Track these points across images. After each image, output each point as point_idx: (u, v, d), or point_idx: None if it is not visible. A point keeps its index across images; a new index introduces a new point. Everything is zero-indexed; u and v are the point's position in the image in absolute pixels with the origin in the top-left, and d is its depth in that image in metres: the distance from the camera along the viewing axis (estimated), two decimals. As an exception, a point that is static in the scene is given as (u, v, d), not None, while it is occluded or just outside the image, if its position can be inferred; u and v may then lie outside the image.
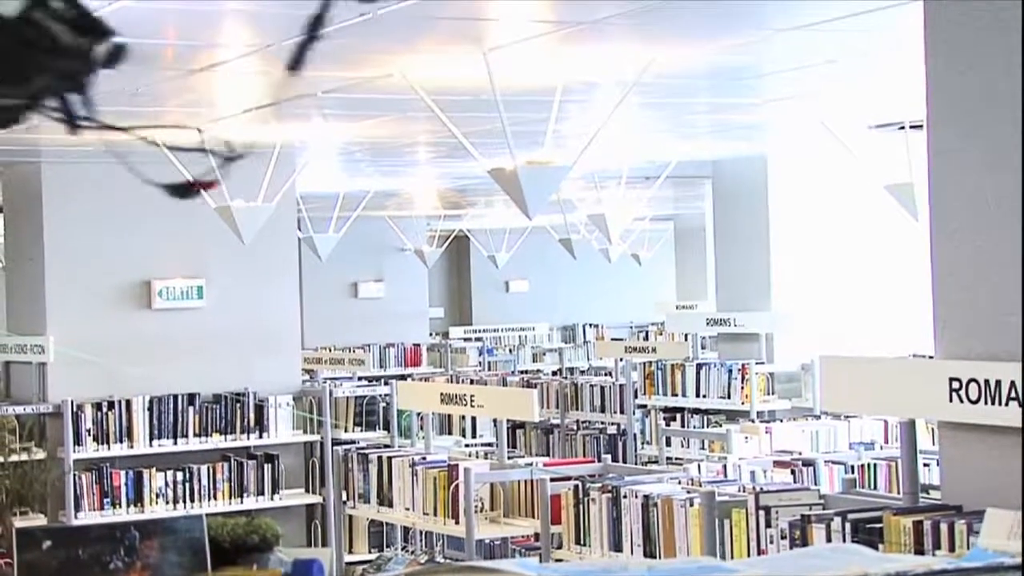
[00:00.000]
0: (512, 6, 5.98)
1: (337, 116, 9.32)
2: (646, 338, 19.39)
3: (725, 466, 8.06)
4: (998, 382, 4.31)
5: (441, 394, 8.66)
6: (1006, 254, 4.42)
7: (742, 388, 11.61)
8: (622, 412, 12.54)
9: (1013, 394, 4.25)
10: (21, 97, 2.27)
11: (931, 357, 4.84)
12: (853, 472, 7.84)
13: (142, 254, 11.17)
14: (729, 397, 11.72)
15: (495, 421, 10.24)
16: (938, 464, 4.90)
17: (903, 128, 9.68)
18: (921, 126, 4.91)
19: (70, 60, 2.20)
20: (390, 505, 8.20)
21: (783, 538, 5.18)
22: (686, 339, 14.25)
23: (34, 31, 2.16)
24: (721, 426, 11.01)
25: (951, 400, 4.45)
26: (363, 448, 8.74)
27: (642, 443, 12.44)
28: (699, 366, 12.14)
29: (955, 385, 4.44)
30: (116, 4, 5.30)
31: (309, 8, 6.28)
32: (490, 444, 12.63)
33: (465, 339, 22.08)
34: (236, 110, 8.77)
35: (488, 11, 6.00)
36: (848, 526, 4.81)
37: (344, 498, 8.64)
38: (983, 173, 4.54)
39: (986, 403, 4.33)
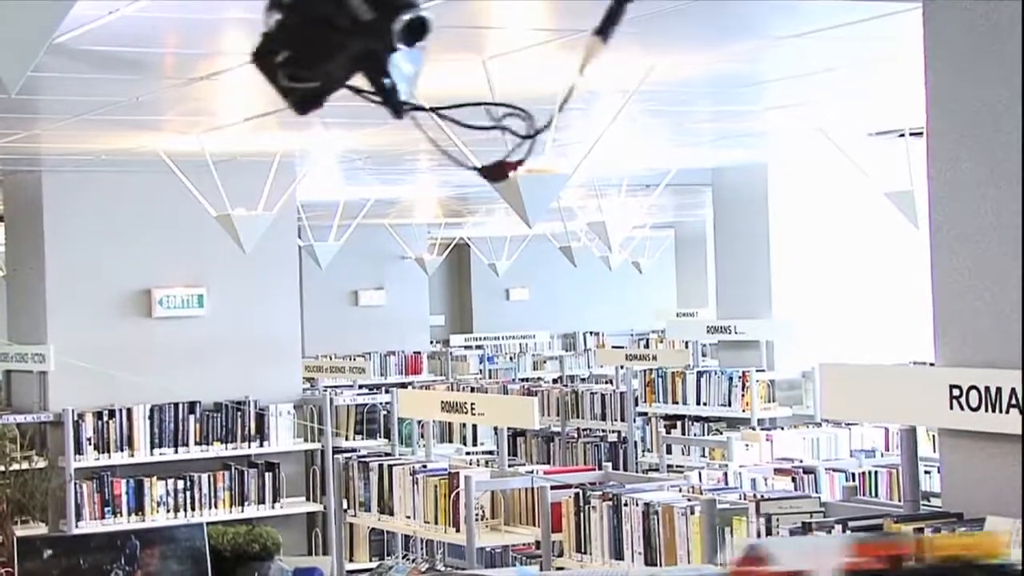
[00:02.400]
0: (512, 14, 5.98)
1: (337, 124, 9.32)
2: (647, 346, 19.39)
3: (726, 474, 8.06)
4: (998, 389, 4.30)
5: (442, 402, 8.65)
6: (1006, 262, 4.42)
7: (743, 396, 11.61)
8: (623, 420, 12.54)
9: (1014, 401, 4.25)
10: (320, 79, 2.18)
11: (932, 364, 4.84)
12: (854, 479, 7.83)
13: (142, 263, 11.18)
14: (730, 405, 11.72)
15: (496, 429, 10.24)
16: (939, 471, 4.90)
17: (903, 135, 9.69)
18: (921, 133, 4.91)
19: (368, 37, 2.08)
20: (391, 513, 8.20)
21: (784, 546, 5.17)
22: (687, 347, 14.26)
23: (332, 8, 2.01)
24: (722, 434, 11.01)
25: (951, 407, 4.44)
26: (364, 456, 8.74)
27: (643, 451, 12.44)
28: (700, 374, 12.14)
29: (955, 392, 4.44)
30: (116, 13, 5.30)
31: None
32: (491, 452, 12.63)
33: (466, 347, 22.07)
34: (237, 118, 8.77)
35: (488, 19, 6.01)
36: (849, 533, 4.80)
37: (345, 506, 8.64)
38: (983, 181, 4.54)
39: (986, 410, 4.33)
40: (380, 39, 2.08)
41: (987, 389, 4.34)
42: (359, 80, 2.22)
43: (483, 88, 6.92)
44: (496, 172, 2.44)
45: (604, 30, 2.21)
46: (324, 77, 2.12)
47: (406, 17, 2.09)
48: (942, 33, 4.68)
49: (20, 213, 11.43)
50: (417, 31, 2.11)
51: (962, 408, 4.40)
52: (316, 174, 11.95)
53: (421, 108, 2.25)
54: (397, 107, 2.20)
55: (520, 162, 2.50)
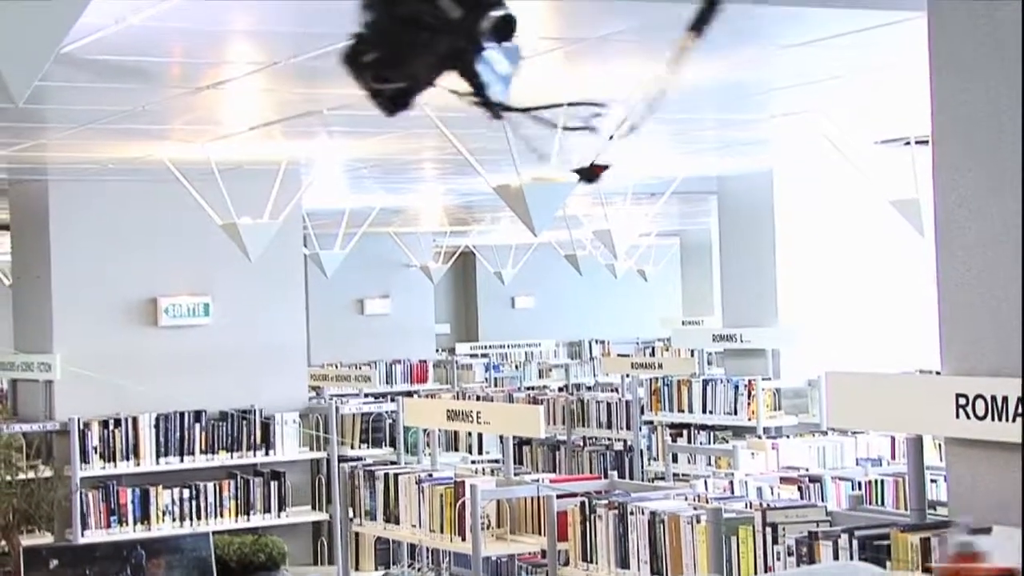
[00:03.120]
0: (518, 23, 5.98)
1: (343, 133, 9.33)
2: (652, 354, 19.37)
3: (732, 482, 8.05)
4: (1005, 398, 4.30)
5: (447, 411, 8.65)
6: (1013, 270, 4.41)
7: (748, 404, 11.60)
8: (628, 428, 12.53)
9: (1020, 410, 4.25)
10: (407, 80, 2.13)
11: (938, 373, 4.83)
12: (860, 488, 7.82)
13: (148, 271, 11.19)
14: (736, 413, 11.70)
15: (501, 437, 10.23)
16: (945, 480, 4.89)
17: (909, 143, 9.69)
18: (927, 141, 4.91)
19: (455, 36, 2.01)
20: (397, 522, 8.19)
21: (790, 555, 5.17)
22: (692, 355, 14.24)
23: (420, 6, 1.98)
24: (728, 442, 11.00)
25: (958, 416, 4.44)
26: (369, 465, 8.73)
27: (649, 459, 12.43)
28: (705, 382, 12.13)
29: (962, 401, 4.43)
30: (123, 23, 5.31)
31: (314, 26, 6.27)
32: (496, 460, 12.63)
33: (471, 355, 22.07)
34: (242, 127, 8.78)
35: (493, 28, 6.00)
36: (855, 543, 4.80)
37: (351, 515, 8.63)
38: (989, 189, 4.54)
39: (993, 419, 4.32)
40: (467, 37, 2.03)
41: (993, 398, 4.33)
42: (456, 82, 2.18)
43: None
44: (590, 173, 2.43)
45: (698, 26, 2.18)
46: (410, 77, 2.09)
47: (493, 15, 2.03)
48: (947, 41, 4.68)
49: (26, 222, 11.44)
50: (505, 29, 2.06)
51: (968, 417, 4.39)
52: (322, 182, 11.96)
53: (516, 109, 2.22)
54: (494, 107, 2.14)
55: (609, 165, 2.50)
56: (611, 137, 2.39)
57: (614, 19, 5.89)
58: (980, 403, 4.38)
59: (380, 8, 2.08)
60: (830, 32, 6.28)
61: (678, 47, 2.30)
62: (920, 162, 9.49)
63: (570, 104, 2.44)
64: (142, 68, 6.63)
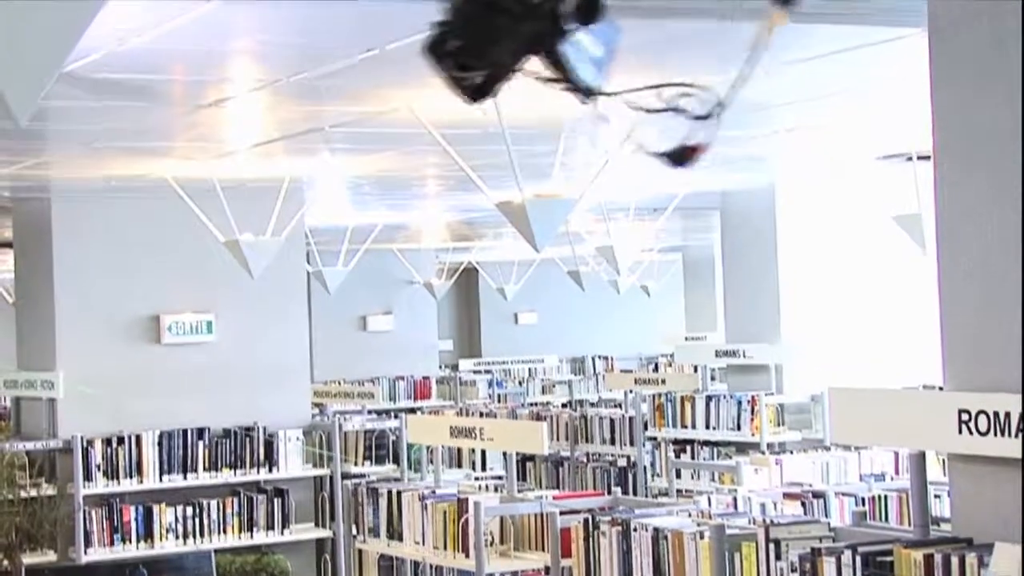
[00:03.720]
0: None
1: (345, 150, 9.35)
2: (655, 370, 19.38)
3: (735, 498, 8.04)
4: (1007, 414, 4.29)
5: (451, 427, 8.64)
6: (1014, 285, 4.41)
7: (752, 420, 11.59)
8: (632, 444, 12.52)
9: (1022, 426, 4.24)
10: (488, 67, 2.05)
11: (940, 388, 4.83)
12: (864, 504, 7.81)
13: (151, 289, 11.20)
14: (739, 429, 11.70)
15: (505, 454, 10.23)
16: (949, 496, 4.89)
17: (910, 159, 9.70)
18: (928, 157, 4.91)
19: (536, 20, 1.96)
20: (400, 539, 8.18)
21: (793, 571, 5.16)
22: (695, 371, 14.24)
23: None
24: (731, 458, 10.99)
25: (960, 432, 4.43)
26: (373, 482, 8.73)
27: (652, 475, 12.41)
28: (708, 398, 12.12)
29: (964, 417, 4.43)
30: (126, 43, 5.33)
31: (316, 44, 6.27)
32: (500, 477, 12.61)
33: (474, 371, 22.07)
34: (245, 145, 8.80)
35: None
36: (858, 559, 4.79)
37: (354, 532, 8.62)
38: (991, 204, 4.54)
39: (995, 435, 4.32)
40: (549, 21, 1.98)
41: (996, 414, 4.33)
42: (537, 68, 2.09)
43: (491, 114, 6.93)
44: (680, 157, 2.35)
45: (788, 1, 2.11)
46: (492, 65, 2.04)
47: None
48: (948, 57, 4.69)
49: (29, 240, 11.46)
50: (588, 10, 2.00)
51: (971, 433, 4.39)
52: (324, 199, 11.97)
53: (605, 93, 2.09)
54: (583, 91, 2.08)
55: (703, 146, 2.40)
56: (702, 117, 2.29)
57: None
58: (983, 419, 4.38)
59: None
60: (832, 48, 6.29)
61: (767, 24, 2.24)
62: (922, 177, 9.50)
63: (659, 86, 2.33)
64: (145, 87, 6.64)
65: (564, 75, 2.09)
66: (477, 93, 2.10)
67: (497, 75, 2.07)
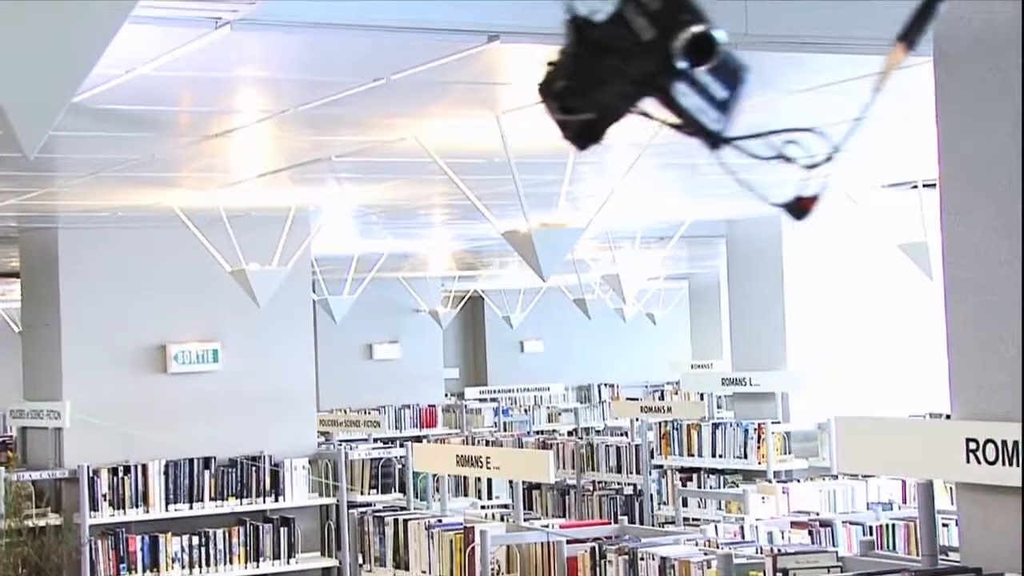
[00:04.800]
0: (525, 69, 6.02)
1: (352, 179, 9.37)
2: (661, 398, 19.35)
3: (742, 527, 8.02)
4: (1016, 443, 4.29)
5: (457, 456, 8.63)
6: (1021, 313, 4.41)
7: (758, 448, 11.57)
8: (638, 472, 12.50)
9: (1019, 455, 4.23)
10: (595, 109, 1.90)
11: (947, 417, 4.82)
12: (871, 533, 7.79)
13: (157, 318, 11.21)
14: (746, 457, 11.68)
15: (511, 482, 10.21)
16: (957, 525, 4.87)
17: (916, 187, 9.70)
18: (934, 185, 4.92)
19: (646, 59, 1.86)
20: (406, 568, 8.16)
21: (802, 601, 5.15)
22: (702, 398, 14.22)
23: (613, 30, 1.84)
24: (738, 486, 10.96)
25: (968, 461, 4.42)
26: (379, 511, 8.72)
27: (659, 503, 12.39)
28: (715, 426, 12.10)
29: (972, 446, 4.42)
30: (133, 72, 5.35)
31: (322, 74, 6.28)
32: (506, 505, 12.58)
33: (480, 400, 22.04)
34: (251, 174, 8.82)
35: (501, 75, 6.04)
36: (867, 588, 4.77)
37: (360, 561, 8.60)
38: (997, 232, 4.54)
39: (1003, 464, 4.31)
40: (659, 60, 1.88)
41: (1004, 443, 4.32)
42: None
43: (497, 143, 6.95)
44: (798, 209, 2.23)
45: (909, 36, 2.02)
46: (599, 107, 1.93)
47: (689, 34, 1.87)
48: (953, 85, 4.70)
49: (36, 270, 11.48)
50: (700, 49, 1.89)
51: (979, 462, 4.38)
52: (330, 228, 11.99)
53: (729, 139, 1.97)
54: (707, 136, 1.97)
55: (817, 197, 2.24)
56: (813, 166, 2.17)
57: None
58: (991, 448, 4.37)
59: (573, 32, 1.92)
60: (836, 77, 6.30)
61: (888, 62, 2.17)
62: (928, 206, 9.50)
63: (782, 131, 2.23)
64: (152, 117, 6.66)
65: (684, 119, 1.97)
66: (581, 137, 1.99)
67: (603, 119, 1.96)
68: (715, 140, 2.00)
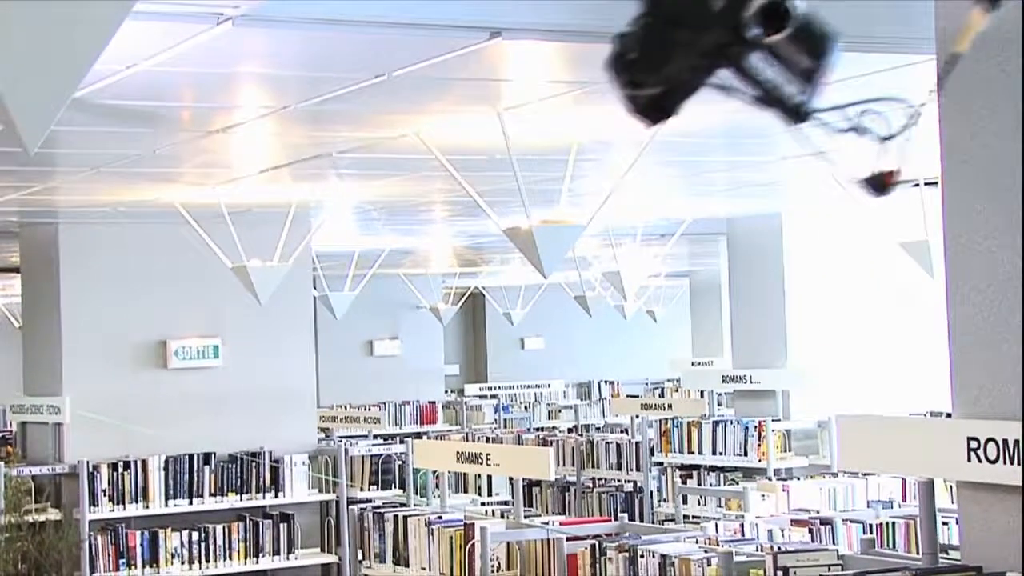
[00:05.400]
0: (526, 67, 6.01)
1: (353, 176, 9.36)
2: (662, 395, 19.34)
3: (743, 524, 8.02)
4: (1016, 442, 4.28)
5: (457, 453, 8.63)
6: (1021, 312, 4.40)
7: (759, 445, 11.57)
8: (638, 470, 12.49)
9: (1019, 453, 4.23)
10: (662, 83, 1.80)
11: (948, 415, 4.82)
12: (871, 531, 7.79)
13: (158, 314, 11.21)
14: (746, 454, 11.67)
15: (511, 479, 10.21)
16: (957, 523, 4.87)
17: (918, 185, 9.69)
18: (936, 183, 4.91)
19: (716, 31, 1.76)
20: (406, 564, 8.16)
21: (802, 599, 5.14)
22: (702, 396, 14.22)
23: (687, 0, 1.74)
24: (738, 484, 10.96)
25: (969, 460, 4.42)
26: (379, 507, 8.71)
27: (659, 501, 12.38)
28: (715, 423, 12.10)
29: (973, 444, 4.42)
30: (134, 68, 5.34)
31: (323, 70, 6.28)
32: (506, 502, 12.59)
33: (480, 396, 22.05)
34: (252, 170, 8.82)
35: (503, 72, 6.04)
36: (867, 587, 4.77)
37: (360, 557, 8.60)
38: (998, 230, 4.54)
39: (1005, 463, 4.31)
40: (731, 31, 1.78)
41: (1005, 441, 4.32)
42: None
43: (498, 140, 6.95)
44: (878, 184, 2.16)
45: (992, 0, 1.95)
46: (668, 81, 1.85)
47: (760, 3, 1.77)
48: (956, 84, 4.70)
49: (36, 265, 11.47)
50: (773, 18, 1.79)
51: (980, 460, 4.38)
52: (331, 225, 11.99)
53: (817, 111, 1.87)
54: (791, 109, 1.87)
55: (897, 171, 2.14)
56: (888, 138, 2.08)
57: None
58: (992, 446, 4.36)
59: (646, 4, 1.83)
60: (838, 75, 6.28)
61: (966, 25, 2.09)
62: (929, 204, 9.50)
63: (863, 102, 2.14)
64: (153, 112, 6.66)
65: (763, 92, 1.87)
66: (650, 112, 1.91)
67: (674, 93, 1.87)
68: (797, 113, 1.91)
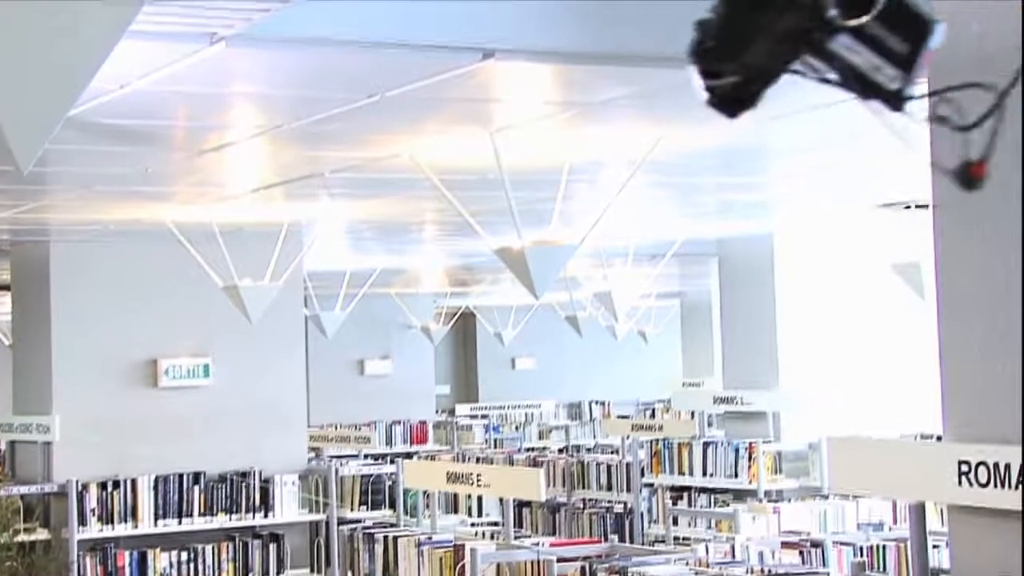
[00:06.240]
0: (519, 87, 6.02)
1: (345, 195, 9.36)
2: (653, 416, 19.34)
3: (733, 546, 8.01)
4: (1007, 465, 4.28)
5: (447, 473, 8.62)
6: (1014, 335, 4.41)
7: (749, 467, 11.56)
8: (629, 491, 12.48)
9: (1021, 478, 4.23)
10: (740, 72, 1.71)
11: (939, 437, 4.81)
12: (862, 554, 7.78)
13: (149, 333, 11.19)
14: (736, 476, 11.67)
15: (501, 500, 10.20)
16: (948, 546, 4.87)
17: (909, 207, 9.72)
18: (927, 205, 4.92)
19: (796, 14, 1.66)
20: (396, 585, 8.14)
21: (792, 621, 5.14)
22: (693, 417, 14.21)
23: None
24: (728, 505, 10.95)
25: (960, 483, 4.42)
26: (369, 527, 8.70)
27: (649, 522, 12.36)
28: (706, 444, 12.09)
29: (964, 468, 4.42)
30: (127, 87, 5.34)
31: (316, 90, 6.27)
32: (496, 523, 12.56)
33: (471, 416, 22.03)
34: (245, 189, 8.81)
35: (495, 92, 6.05)
36: (858, 609, 4.76)
37: (350, 578, 8.58)
38: (990, 252, 4.54)
39: (995, 487, 4.31)
40: (811, 13, 1.68)
41: (996, 465, 4.31)
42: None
43: (490, 160, 6.95)
44: (965, 176, 2.04)
45: None
46: (745, 68, 1.74)
47: None
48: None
49: (27, 283, 11.45)
50: (861, 1, 1.68)
51: (971, 484, 4.37)
52: (323, 244, 11.99)
53: (913, 97, 1.77)
54: (888, 96, 1.76)
55: (985, 162, 2.01)
56: (968, 127, 1.95)
57: (615, 85, 5.92)
58: (983, 470, 4.36)
59: None
60: (830, 99, 6.30)
61: None
62: (920, 225, 9.51)
63: (955, 88, 2.03)
64: (146, 131, 6.66)
65: (853, 79, 1.77)
66: (729, 103, 1.80)
67: (753, 81, 1.77)
68: (894, 100, 1.80)
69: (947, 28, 2.02)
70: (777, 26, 1.69)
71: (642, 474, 12.44)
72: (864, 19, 1.68)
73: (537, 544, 7.75)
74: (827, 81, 1.78)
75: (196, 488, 11.02)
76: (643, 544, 11.09)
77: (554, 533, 12.89)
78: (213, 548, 10.96)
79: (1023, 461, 4.21)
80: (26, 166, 2.39)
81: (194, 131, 6.85)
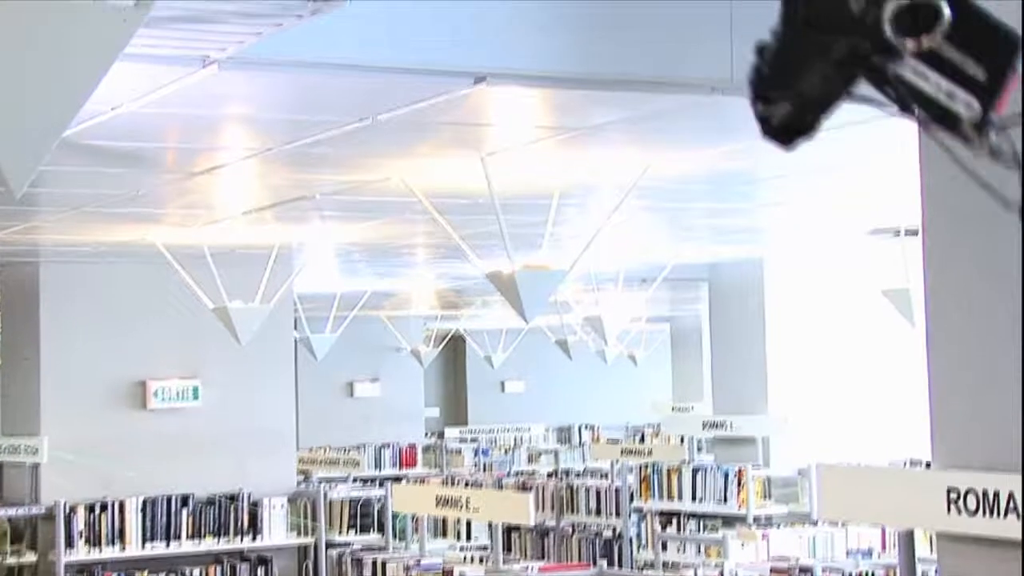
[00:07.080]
0: (510, 112, 6.03)
1: (336, 218, 9.37)
2: (642, 440, 19.31)
3: (722, 572, 8.00)
4: (996, 493, 4.28)
5: (436, 497, 8.60)
6: (1003, 362, 4.41)
7: (739, 492, 11.55)
8: (618, 515, 12.45)
9: (1012, 506, 4.23)
10: (791, 99, 1.62)
11: (928, 463, 4.81)
12: (851, 580, 7.77)
13: (138, 354, 11.16)
14: (726, 501, 11.65)
15: (490, 524, 10.17)
16: (936, 574, 4.86)
17: (899, 234, 9.74)
18: (917, 232, 4.93)
19: (853, 36, 1.56)
20: (384, 610, 8.12)
21: (781, 648, 5.13)
22: (682, 442, 14.20)
23: (822, 4, 1.55)
24: (718, 531, 10.94)
25: (949, 511, 4.42)
26: (357, 551, 8.68)
27: (638, 547, 12.34)
28: (695, 469, 12.08)
29: (953, 496, 4.42)
30: (119, 109, 5.34)
31: (307, 113, 6.28)
32: (485, 547, 12.53)
33: (460, 439, 21.98)
34: (235, 212, 8.81)
35: (486, 117, 6.06)
36: (847, 636, 4.76)
37: (338, 602, 8.56)
38: (979, 279, 4.55)
39: (985, 515, 4.31)
40: (869, 35, 1.56)
41: (985, 493, 4.31)
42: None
43: (481, 184, 6.96)
44: None
45: None
46: (800, 96, 1.65)
47: (899, 3, 1.55)
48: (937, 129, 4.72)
49: (16, 304, 11.43)
50: (922, 20, 1.55)
51: (960, 512, 4.37)
52: (313, 266, 11.98)
53: (991, 125, 1.61)
54: (961, 124, 1.61)
55: None
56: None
57: (606, 109, 5.94)
58: (971, 498, 4.36)
59: (783, 11, 1.63)
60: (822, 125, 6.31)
61: None
62: (910, 252, 9.54)
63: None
64: (137, 153, 6.66)
65: (921, 105, 1.63)
66: (784, 133, 1.70)
67: (807, 109, 1.68)
68: (974, 128, 1.63)
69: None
70: (833, 50, 1.59)
71: (631, 499, 12.42)
72: (933, 40, 1.56)
73: (526, 569, 7.73)
74: (889, 109, 1.67)
75: (184, 511, 10.98)
76: (632, 569, 11.07)
77: (543, 557, 12.85)
78: (201, 571, 10.91)
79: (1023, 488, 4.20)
80: (19, 190, 2.39)
81: (185, 153, 6.85)
